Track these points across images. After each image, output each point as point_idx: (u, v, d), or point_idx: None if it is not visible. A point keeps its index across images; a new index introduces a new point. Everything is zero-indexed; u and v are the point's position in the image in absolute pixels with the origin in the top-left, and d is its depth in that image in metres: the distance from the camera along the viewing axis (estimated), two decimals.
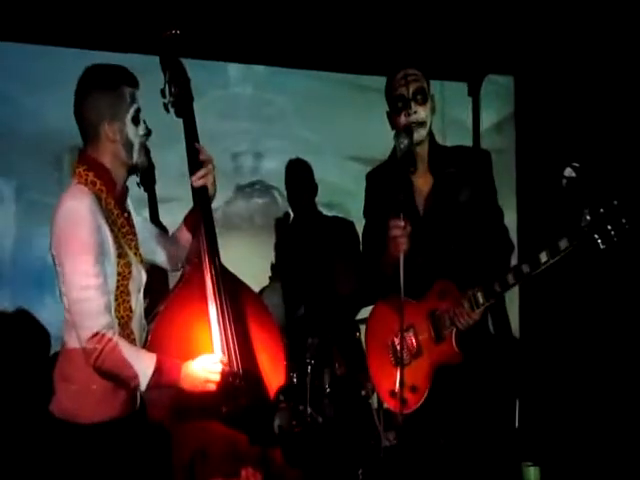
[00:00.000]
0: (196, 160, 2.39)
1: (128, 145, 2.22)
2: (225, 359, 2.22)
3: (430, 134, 2.69)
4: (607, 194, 2.32)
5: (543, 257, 2.38)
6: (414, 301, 2.58)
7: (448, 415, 2.61)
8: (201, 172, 2.37)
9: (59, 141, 4.29)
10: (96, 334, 2.06)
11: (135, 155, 2.24)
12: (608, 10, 4.26)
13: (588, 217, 2.31)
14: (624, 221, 2.28)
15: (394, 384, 2.56)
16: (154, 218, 3.36)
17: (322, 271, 4.22)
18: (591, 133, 4.31)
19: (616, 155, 4.08)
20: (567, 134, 4.48)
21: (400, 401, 2.45)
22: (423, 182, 2.68)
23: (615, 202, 2.29)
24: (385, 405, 2.77)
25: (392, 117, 2.70)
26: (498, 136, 5.22)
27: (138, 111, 2.24)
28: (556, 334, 4.43)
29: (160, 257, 2.48)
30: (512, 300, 4.20)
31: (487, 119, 5.21)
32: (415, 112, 2.60)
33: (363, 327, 3.31)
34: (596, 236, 2.30)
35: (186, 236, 2.47)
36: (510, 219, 4.67)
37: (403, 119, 2.61)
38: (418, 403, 2.57)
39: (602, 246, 2.31)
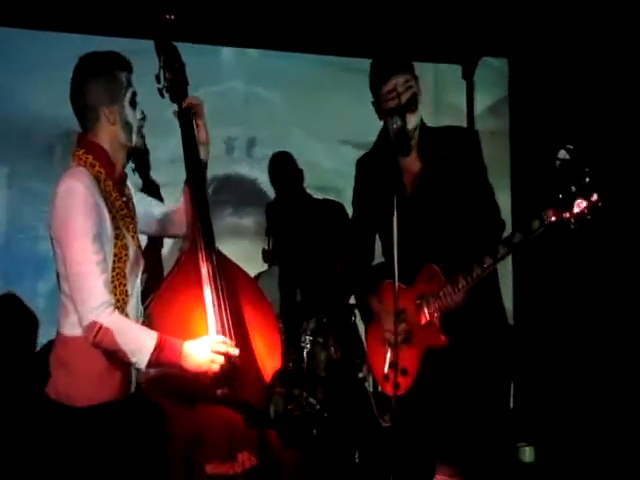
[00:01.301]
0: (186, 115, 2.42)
1: (127, 127, 2.25)
2: (229, 340, 2.22)
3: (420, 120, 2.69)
4: (581, 172, 2.35)
5: (516, 237, 2.42)
6: (405, 286, 2.61)
7: (444, 397, 2.64)
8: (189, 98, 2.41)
9: (51, 127, 4.27)
10: (98, 308, 2.07)
11: (134, 137, 2.27)
12: None
13: (560, 195, 2.34)
14: (596, 198, 2.31)
15: (386, 367, 2.64)
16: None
17: (315, 254, 4.23)
18: (585, 115, 4.30)
19: (610, 137, 4.07)
20: (561, 116, 4.47)
21: (393, 385, 2.50)
22: (411, 164, 2.69)
23: (587, 179, 2.32)
24: (380, 387, 2.78)
25: (382, 118, 2.69)
26: (492, 119, 5.21)
27: (134, 94, 2.27)
28: (550, 317, 4.45)
29: (169, 229, 2.51)
30: (506, 284, 4.21)
31: (481, 102, 5.19)
32: (409, 122, 2.58)
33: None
34: (567, 215, 2.33)
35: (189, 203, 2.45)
36: (504, 201, 4.71)
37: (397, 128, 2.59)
38: (409, 386, 2.61)
39: (572, 226, 2.34)
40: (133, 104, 2.26)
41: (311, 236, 4.10)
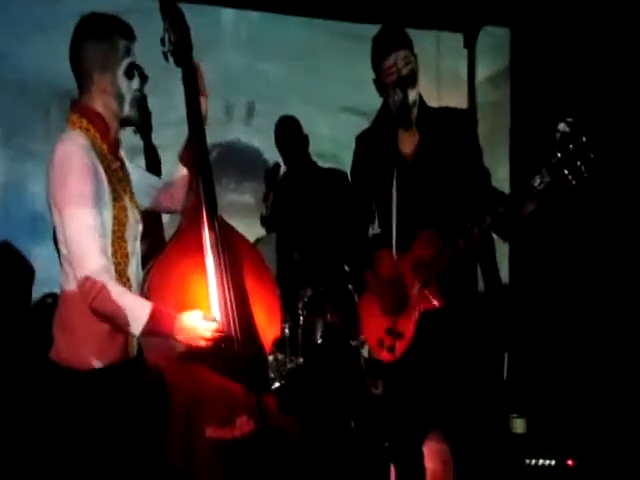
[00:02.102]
0: (191, 79, 2.40)
1: (119, 97, 2.21)
2: (219, 319, 2.23)
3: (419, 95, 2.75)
4: (576, 131, 2.39)
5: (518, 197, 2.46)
6: (401, 253, 2.67)
7: (437, 365, 2.68)
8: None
9: (48, 87, 4.23)
10: (89, 278, 2.05)
11: (126, 108, 2.23)
12: None
13: (558, 154, 2.39)
14: (592, 156, 2.37)
15: (382, 333, 2.67)
16: (152, 165, 3.32)
17: (315, 221, 4.23)
18: (586, 87, 4.28)
19: (611, 109, 4.06)
20: (562, 88, 4.45)
21: (389, 349, 2.57)
22: (410, 137, 2.75)
23: (583, 139, 2.37)
24: (374, 355, 2.82)
25: (383, 94, 2.74)
26: (493, 89, 5.18)
27: (132, 65, 2.23)
28: (546, 286, 4.47)
29: (163, 203, 2.49)
30: (502, 252, 4.23)
31: (482, 71, 5.16)
32: (408, 96, 2.64)
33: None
34: (566, 172, 2.39)
35: (183, 174, 2.45)
36: (503, 172, 4.71)
37: (396, 103, 2.66)
38: (404, 349, 2.63)
39: (573, 182, 2.39)
40: (129, 75, 2.22)
41: (312, 203, 4.10)
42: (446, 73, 4.85)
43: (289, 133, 4.27)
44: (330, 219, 4.02)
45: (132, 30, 2.24)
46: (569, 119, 2.47)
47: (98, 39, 2.17)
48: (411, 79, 2.66)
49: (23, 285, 3.58)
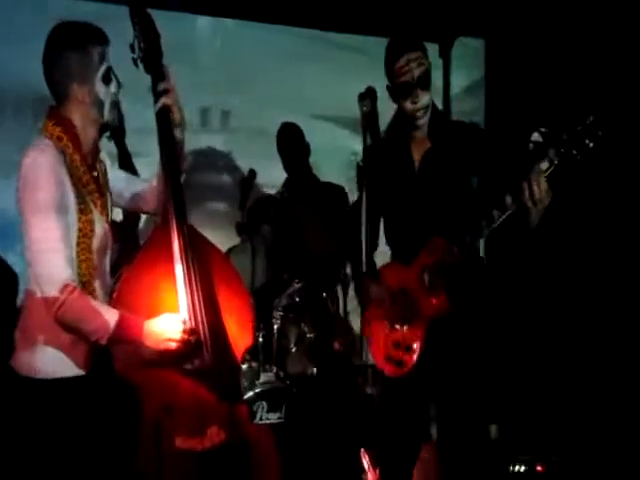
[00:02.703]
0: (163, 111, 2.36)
1: (98, 104, 2.21)
2: (187, 319, 2.21)
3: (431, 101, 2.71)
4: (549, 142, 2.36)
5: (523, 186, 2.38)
6: (406, 265, 2.66)
7: (443, 373, 2.63)
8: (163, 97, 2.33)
9: (22, 92, 4.18)
10: (59, 283, 2.04)
11: (106, 113, 2.23)
12: None
13: (565, 136, 2.32)
14: (600, 133, 2.30)
15: (389, 347, 2.66)
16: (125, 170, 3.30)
17: (295, 230, 4.25)
18: (560, 98, 4.32)
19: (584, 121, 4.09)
20: (536, 98, 4.49)
21: (397, 363, 2.60)
22: (421, 142, 2.73)
23: (590, 118, 2.31)
24: (385, 372, 2.73)
25: (396, 99, 2.70)
26: (468, 99, 5.21)
27: (109, 70, 2.22)
28: (516, 289, 4.48)
29: (144, 205, 2.49)
30: None
31: (457, 82, 5.19)
32: (421, 99, 2.63)
33: None
34: (575, 152, 2.31)
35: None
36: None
37: (409, 106, 2.65)
38: (412, 362, 2.61)
39: (579, 157, 2.31)
40: (106, 80, 2.21)
41: (308, 215, 4.10)
42: None
43: (291, 140, 4.29)
44: (316, 236, 4.04)
45: (105, 35, 2.23)
46: (542, 129, 2.49)
47: (73, 50, 2.16)
48: (424, 80, 2.63)
49: (8, 292, 3.53)
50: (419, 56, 2.64)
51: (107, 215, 2.29)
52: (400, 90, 2.65)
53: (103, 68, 2.20)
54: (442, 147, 2.70)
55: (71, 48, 2.16)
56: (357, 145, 2.68)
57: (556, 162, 2.34)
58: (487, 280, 2.73)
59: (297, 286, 3.74)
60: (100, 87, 2.20)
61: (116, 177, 2.41)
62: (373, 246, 2.87)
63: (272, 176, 4.62)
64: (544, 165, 2.36)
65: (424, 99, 2.65)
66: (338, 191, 4.20)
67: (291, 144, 4.31)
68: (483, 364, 2.68)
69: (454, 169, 2.67)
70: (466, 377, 2.62)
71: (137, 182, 2.54)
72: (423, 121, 2.68)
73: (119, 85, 2.27)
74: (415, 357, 2.61)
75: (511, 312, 4.37)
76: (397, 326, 2.66)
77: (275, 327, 3.65)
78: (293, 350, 3.71)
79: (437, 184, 2.67)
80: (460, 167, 2.67)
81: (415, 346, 2.61)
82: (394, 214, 2.79)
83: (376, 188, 2.75)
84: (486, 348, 2.70)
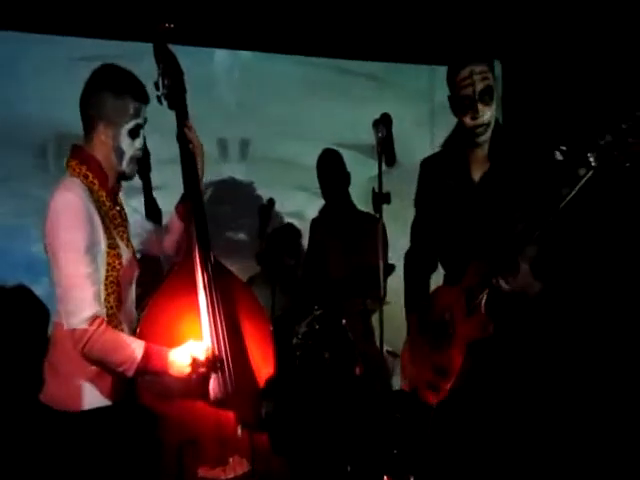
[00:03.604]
0: (186, 147, 2.43)
1: (119, 152, 2.25)
2: (210, 347, 2.24)
3: (495, 120, 2.60)
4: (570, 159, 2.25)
5: (565, 190, 2.25)
6: (453, 287, 2.58)
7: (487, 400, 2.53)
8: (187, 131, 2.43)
9: (42, 130, 4.26)
10: (81, 324, 2.08)
11: (124, 164, 2.28)
12: None
13: (609, 137, 2.17)
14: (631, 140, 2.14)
15: (429, 374, 2.58)
16: (150, 205, 3.32)
17: (315, 258, 4.25)
18: (578, 118, 4.31)
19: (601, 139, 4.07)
20: (554, 118, 4.48)
21: (434, 388, 2.53)
22: (480, 160, 2.62)
23: (623, 125, 2.16)
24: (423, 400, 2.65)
25: (456, 112, 2.61)
26: None
27: (139, 126, 2.27)
28: None
29: (155, 248, 2.54)
30: None
31: None
32: (482, 114, 2.51)
33: None
34: (616, 152, 2.16)
35: (177, 224, 2.50)
36: None
37: (469, 121, 2.54)
38: (448, 387, 2.51)
39: (625, 161, 2.16)
40: (134, 135, 2.26)
41: (343, 242, 4.08)
42: (439, 106, 4.88)
43: (330, 166, 4.25)
44: (337, 263, 4.04)
45: (146, 92, 2.29)
46: (562, 147, 2.43)
47: (112, 94, 2.21)
48: (487, 95, 2.51)
49: (40, 327, 3.57)
50: (484, 70, 2.52)
51: (132, 247, 2.34)
52: (460, 103, 2.55)
53: (133, 122, 2.25)
54: (502, 169, 2.56)
55: (111, 91, 2.22)
56: (375, 171, 2.66)
57: (595, 166, 2.19)
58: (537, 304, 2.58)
59: (317, 313, 3.73)
60: (125, 138, 2.24)
61: (141, 226, 2.52)
62: (432, 266, 2.81)
63: (291, 205, 4.65)
64: (582, 171, 2.21)
65: (485, 115, 2.52)
66: (375, 221, 4.12)
67: (331, 171, 4.26)
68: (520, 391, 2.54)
69: (513, 194, 2.51)
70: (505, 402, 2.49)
71: (160, 231, 2.61)
72: (483, 138, 2.56)
73: (144, 147, 2.32)
74: (452, 381, 2.51)
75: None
76: (435, 350, 2.58)
77: (296, 354, 3.64)
78: (315, 378, 3.69)
79: (495, 207, 2.54)
80: (519, 192, 2.50)
81: (453, 370, 2.51)
82: (449, 234, 2.67)
83: (433, 204, 2.69)
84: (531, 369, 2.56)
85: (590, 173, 2.19)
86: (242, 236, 4.86)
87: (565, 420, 3.75)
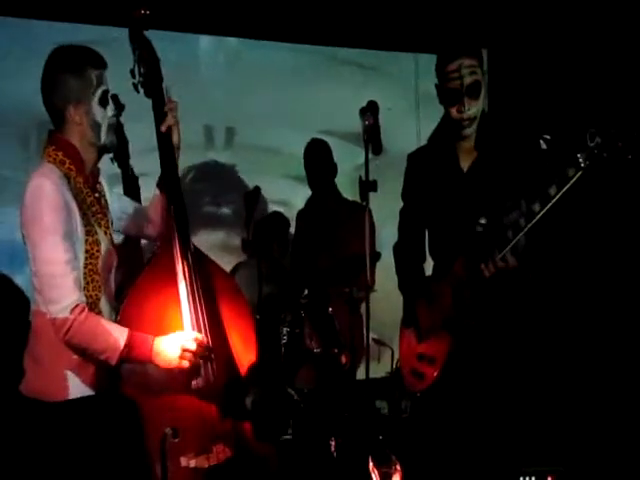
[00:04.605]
0: (161, 111, 2.37)
1: (95, 127, 2.23)
2: (200, 337, 2.23)
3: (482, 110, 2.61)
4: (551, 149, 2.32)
5: (552, 191, 2.29)
6: (442, 280, 2.61)
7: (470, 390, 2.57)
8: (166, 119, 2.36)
9: (26, 116, 4.21)
10: (62, 311, 2.06)
11: (103, 136, 2.25)
12: None
13: (598, 139, 2.23)
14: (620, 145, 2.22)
15: (414, 361, 2.65)
16: (130, 193, 3.30)
17: (302, 246, 4.24)
18: (564, 106, 4.32)
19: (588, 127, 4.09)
20: (539, 107, 4.49)
21: (418, 375, 2.60)
22: (467, 151, 2.63)
23: (612, 130, 2.23)
24: (407, 387, 2.72)
25: (443, 102, 2.61)
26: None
27: (106, 92, 2.25)
28: None
29: (144, 229, 2.51)
30: None
31: None
32: (468, 109, 2.52)
33: None
34: (605, 155, 2.22)
35: (163, 200, 2.45)
36: None
37: (455, 113, 2.55)
38: (435, 375, 2.57)
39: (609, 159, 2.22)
40: (103, 103, 2.24)
41: (330, 231, 4.08)
42: (424, 94, 4.88)
43: (317, 157, 4.24)
44: (321, 252, 4.03)
45: (102, 58, 2.25)
46: (546, 136, 2.44)
47: (70, 72, 2.19)
48: (474, 90, 2.51)
49: (22, 318, 3.54)
50: (473, 64, 2.52)
51: (111, 235, 2.32)
52: (447, 95, 2.56)
53: (100, 91, 2.22)
54: (490, 158, 2.58)
55: (68, 71, 2.19)
56: (362, 159, 2.65)
57: (584, 166, 2.23)
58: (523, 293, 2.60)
59: (303, 301, 3.73)
60: (97, 110, 2.22)
61: (118, 202, 2.43)
62: (421, 258, 2.83)
63: (277, 193, 4.64)
64: (571, 171, 2.26)
65: (472, 109, 2.52)
66: (361, 209, 4.11)
67: (318, 161, 4.25)
68: (505, 379, 2.57)
69: (502, 183, 2.53)
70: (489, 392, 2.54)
71: (137, 205, 2.57)
72: (470, 131, 2.58)
73: (118, 108, 2.29)
74: (437, 370, 2.56)
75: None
76: (423, 339, 2.64)
77: (282, 343, 3.64)
78: (300, 366, 3.69)
79: (484, 196, 2.56)
80: (509, 182, 2.52)
81: (438, 358, 2.56)
82: (438, 224, 2.70)
83: (421, 196, 2.70)
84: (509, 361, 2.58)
85: (579, 174, 2.24)
86: (226, 223, 4.84)
87: (550, 406, 3.79)
